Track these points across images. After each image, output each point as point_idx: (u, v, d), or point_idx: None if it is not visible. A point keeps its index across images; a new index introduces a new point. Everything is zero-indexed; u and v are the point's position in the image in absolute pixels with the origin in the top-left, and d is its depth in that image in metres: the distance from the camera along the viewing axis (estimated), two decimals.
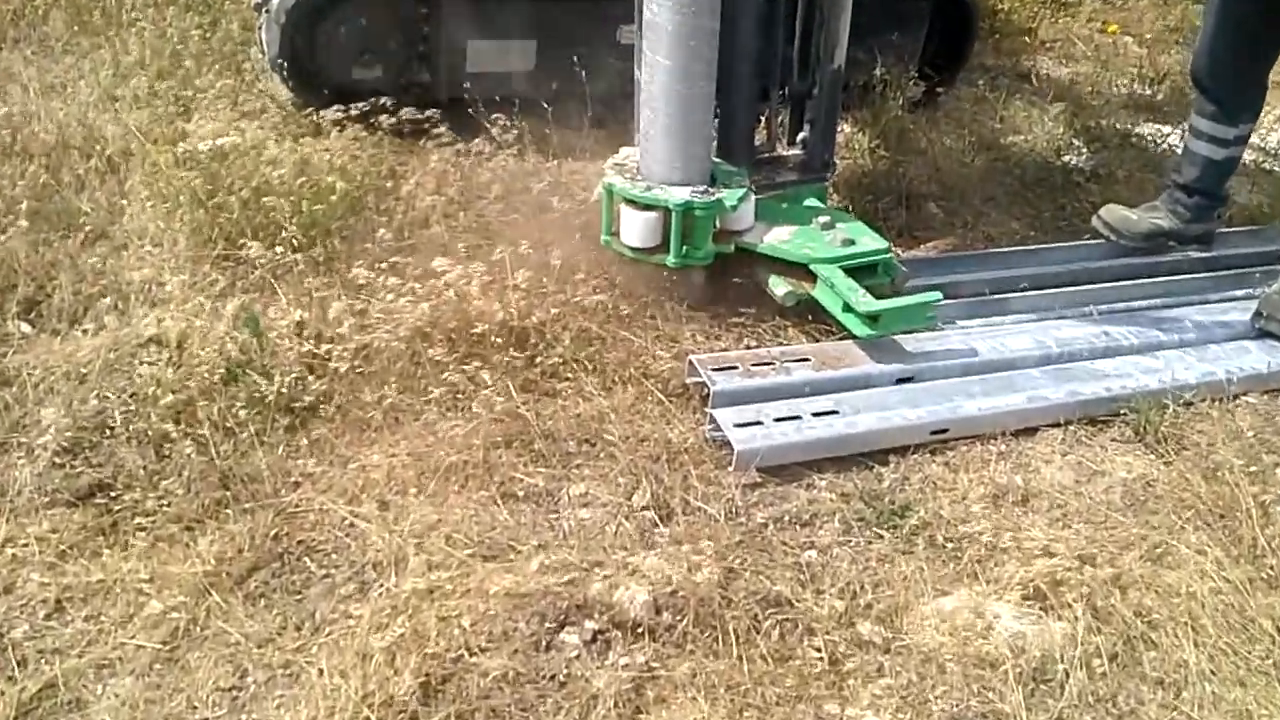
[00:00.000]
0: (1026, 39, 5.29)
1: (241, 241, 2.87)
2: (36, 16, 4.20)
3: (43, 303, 2.79)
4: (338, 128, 3.38)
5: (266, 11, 3.57)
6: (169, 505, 2.27)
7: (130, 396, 2.46)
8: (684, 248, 2.96)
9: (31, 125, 3.43)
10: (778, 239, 3.06)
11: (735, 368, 2.75)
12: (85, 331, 2.69)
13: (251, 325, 2.51)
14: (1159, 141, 4.42)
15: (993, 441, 2.74)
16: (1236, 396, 2.97)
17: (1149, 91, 4.85)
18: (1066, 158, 4.25)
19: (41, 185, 3.15)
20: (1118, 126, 4.49)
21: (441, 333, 2.71)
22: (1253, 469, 2.67)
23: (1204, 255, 3.60)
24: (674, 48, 2.84)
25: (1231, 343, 3.13)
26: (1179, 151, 4.26)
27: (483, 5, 3.74)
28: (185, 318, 2.61)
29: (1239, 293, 3.41)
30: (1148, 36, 5.42)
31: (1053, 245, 3.59)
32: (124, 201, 3.14)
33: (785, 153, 3.54)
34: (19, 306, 2.76)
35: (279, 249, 2.87)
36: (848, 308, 2.85)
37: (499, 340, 2.72)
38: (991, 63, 5.05)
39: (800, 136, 3.52)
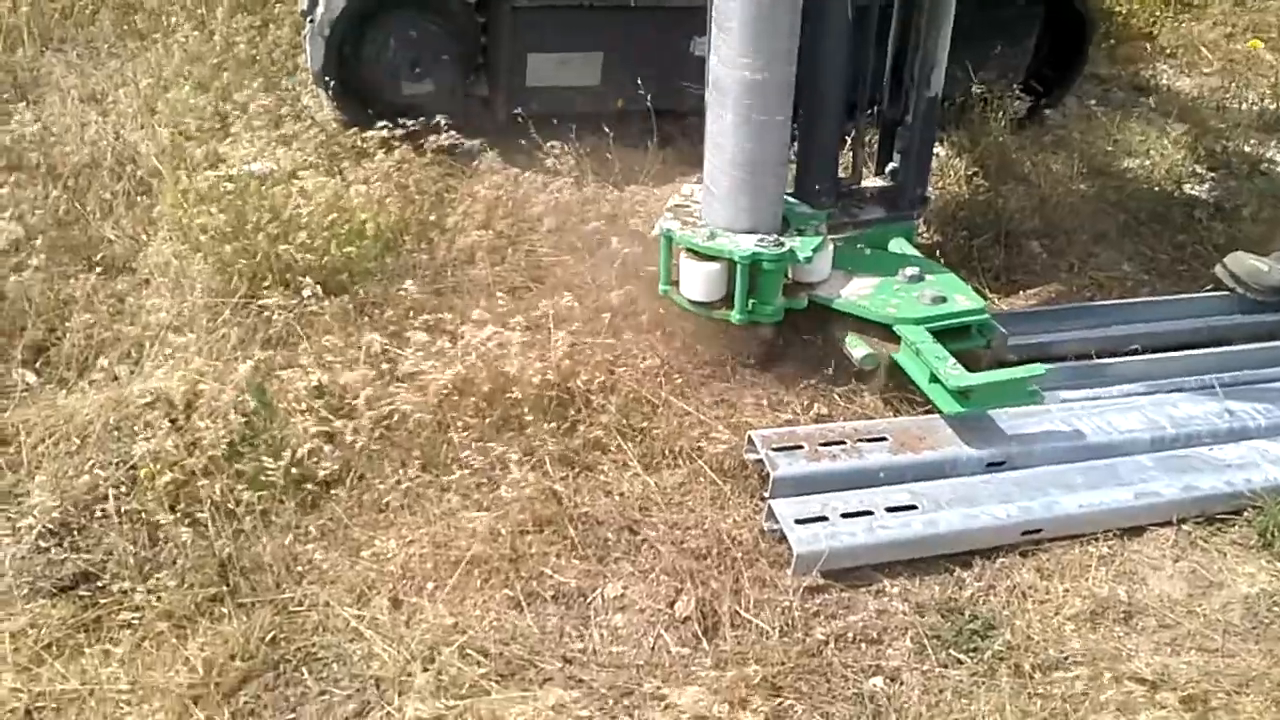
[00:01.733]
0: (1146, 45, 4.83)
1: (265, 284, 2.63)
2: (84, 16, 4.02)
3: (51, 349, 2.60)
4: (383, 149, 3.13)
5: (311, 21, 3.33)
6: (159, 600, 2.05)
7: (128, 470, 2.24)
8: (750, 303, 2.65)
9: (64, 141, 3.23)
10: (857, 293, 2.73)
11: (800, 447, 2.43)
12: (92, 384, 2.48)
13: (258, 396, 2.27)
14: None
15: (1093, 543, 2.39)
16: None
17: None
18: (1188, 188, 3.83)
19: (65, 212, 2.95)
20: (1246, 151, 4.04)
21: (473, 397, 2.45)
22: None
23: None
24: (742, 78, 2.52)
25: None
26: None
27: (546, 14, 3.45)
28: (196, 375, 2.38)
29: None
30: None
31: (1170, 297, 3.20)
32: (150, 230, 2.93)
33: (872, 184, 3.20)
34: (26, 353, 2.57)
35: (305, 293, 2.63)
36: (935, 379, 2.52)
37: (537, 406, 2.45)
38: (1105, 72, 4.61)
39: (890, 167, 3.18)
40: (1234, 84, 4.58)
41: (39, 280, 2.70)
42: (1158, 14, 5.03)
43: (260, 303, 2.58)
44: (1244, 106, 4.42)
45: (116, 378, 2.47)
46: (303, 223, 2.77)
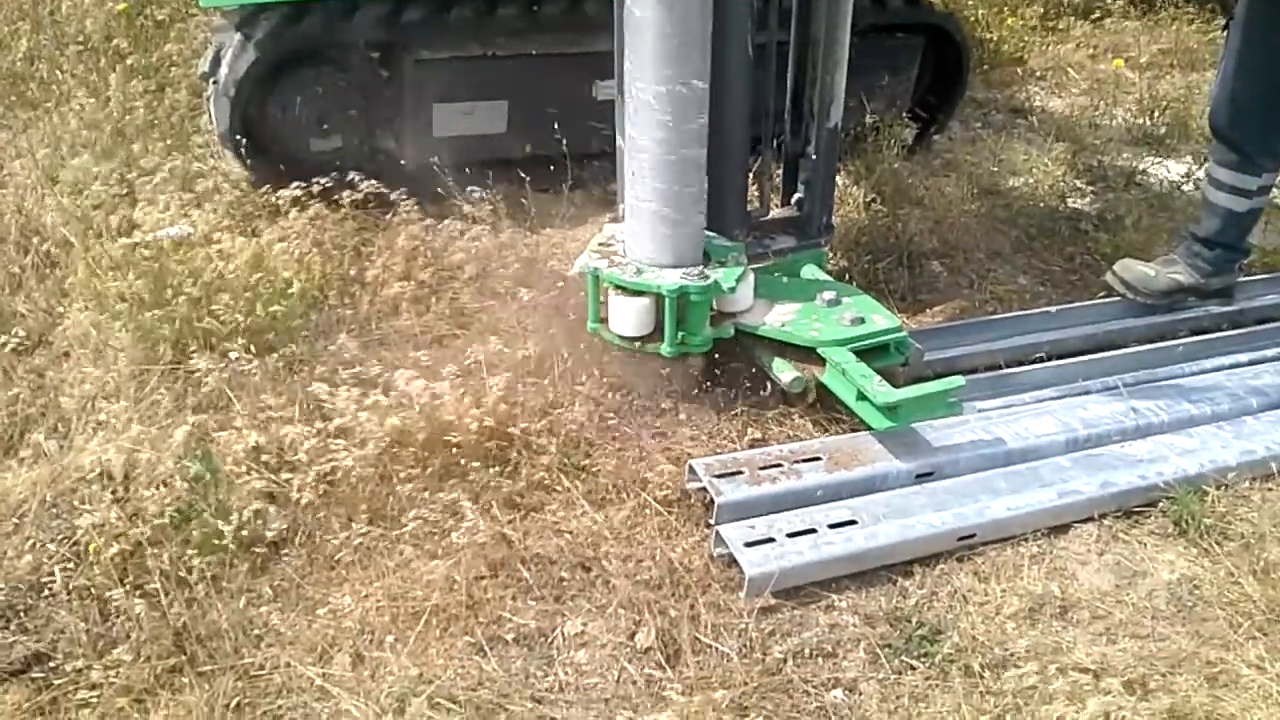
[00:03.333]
0: (1017, 69, 5.08)
1: (191, 349, 2.60)
2: None
3: None
4: (297, 207, 3.12)
5: (215, 82, 3.31)
6: (116, 675, 2.01)
7: (71, 546, 2.19)
8: (679, 335, 2.72)
9: None
10: (780, 319, 2.82)
11: (740, 473, 2.50)
12: (21, 461, 2.42)
13: (205, 461, 2.25)
14: (1165, 180, 4.21)
15: (1024, 543, 2.50)
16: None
17: (1149, 123, 4.63)
18: (1071, 202, 4.03)
19: None
20: (1121, 164, 4.29)
21: (413, 448, 2.46)
22: None
23: (1227, 310, 3.39)
24: (659, 116, 2.60)
25: (1269, 413, 2.90)
26: (1186, 190, 4.09)
27: (450, 65, 3.49)
28: (131, 445, 2.35)
29: (1270, 351, 3.20)
30: (1142, 61, 5.21)
31: (1068, 306, 3.37)
32: (64, 303, 2.87)
33: (780, 215, 3.31)
34: None
35: (233, 355, 2.61)
36: (862, 396, 2.61)
37: (477, 452, 2.48)
38: (983, 96, 4.84)
39: (796, 197, 3.29)
40: (1103, 102, 4.85)
41: None
42: (1026, 39, 5.30)
43: (188, 367, 2.55)
44: (1114, 123, 4.68)
45: (46, 453, 2.41)
46: (225, 284, 2.75)
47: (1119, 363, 3.09)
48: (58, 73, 3.88)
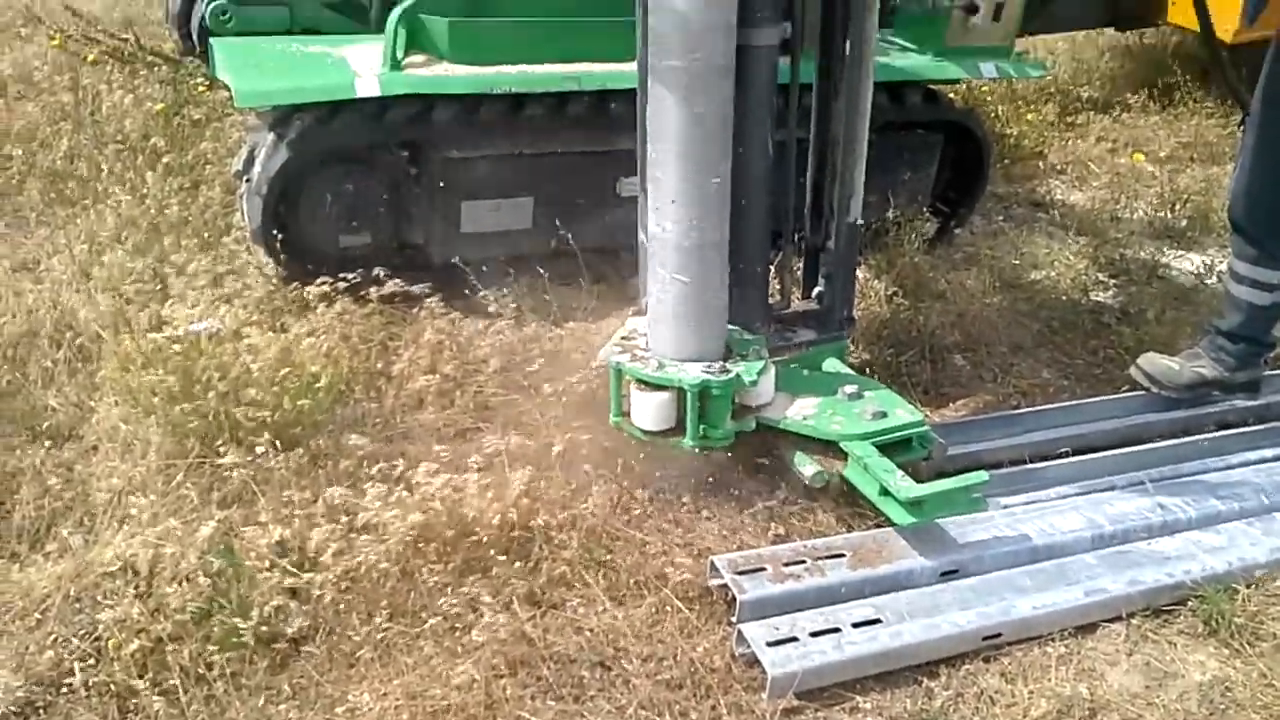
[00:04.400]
0: (1038, 163, 5.13)
1: (219, 443, 2.63)
2: (11, 186, 4.03)
3: (0, 522, 2.55)
4: (325, 302, 3.17)
5: (248, 180, 3.39)
6: None
7: (92, 642, 2.20)
8: (701, 429, 2.72)
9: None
10: (802, 413, 2.82)
11: (764, 569, 2.49)
12: (47, 556, 2.44)
13: (227, 556, 2.26)
14: (1187, 273, 4.22)
15: (1050, 643, 2.47)
16: None
17: (1170, 216, 4.66)
18: (1094, 295, 4.04)
19: (7, 384, 2.93)
20: (1143, 257, 4.30)
21: (436, 543, 2.46)
22: None
23: (1253, 404, 3.37)
24: (682, 211, 2.64)
25: None
26: (1209, 284, 4.10)
27: (478, 163, 3.56)
28: (156, 540, 2.36)
29: None
30: (1162, 155, 5.25)
31: (1091, 400, 3.36)
32: (95, 397, 2.91)
33: (801, 308, 3.34)
34: None
35: (259, 449, 2.63)
36: (885, 492, 2.61)
37: (499, 547, 2.48)
38: (1004, 190, 4.88)
39: (816, 291, 3.32)
40: (1123, 196, 4.88)
41: None
42: (1045, 134, 5.36)
43: (216, 462, 2.58)
44: (1135, 216, 4.71)
45: (71, 548, 2.43)
46: (252, 379, 2.78)
47: (1144, 458, 3.07)
48: (97, 171, 3.98)
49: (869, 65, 2.99)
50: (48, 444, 2.77)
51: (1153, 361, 3.35)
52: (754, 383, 2.75)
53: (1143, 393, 3.36)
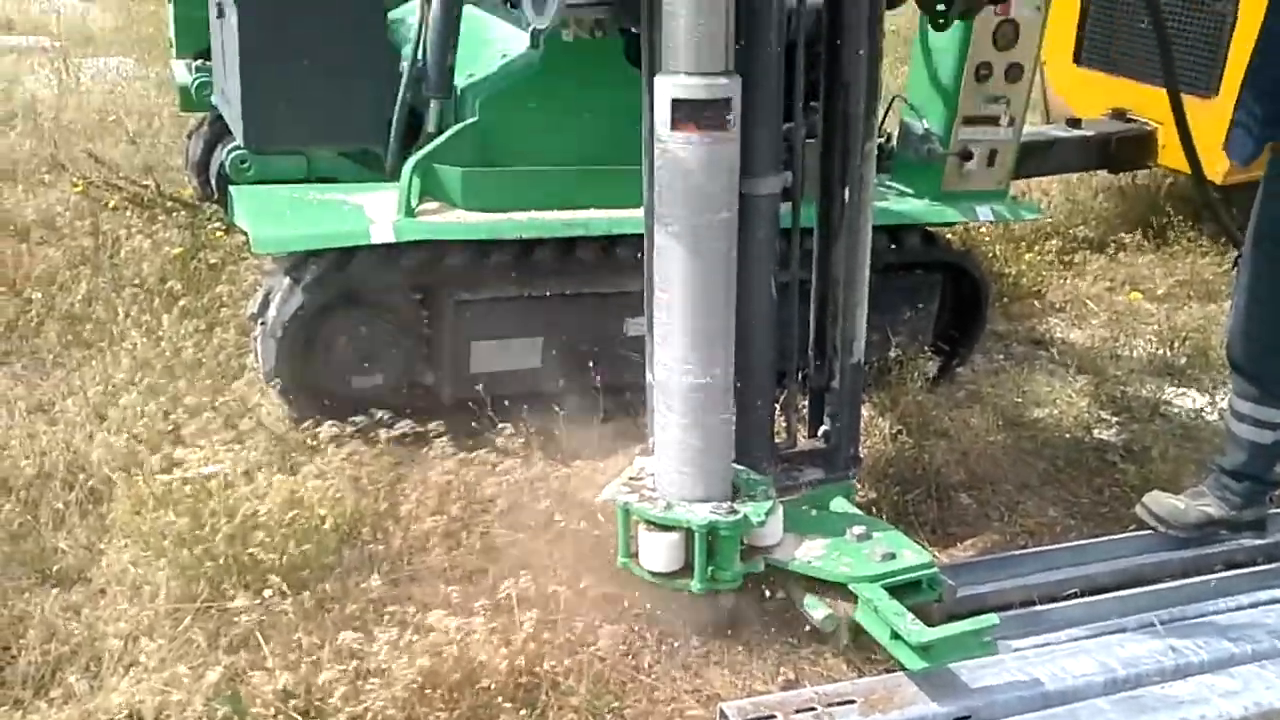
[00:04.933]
0: (1036, 301, 5.22)
1: (226, 587, 2.64)
2: (29, 329, 4.11)
3: (6, 668, 2.53)
4: (334, 443, 3.21)
5: (263, 324, 3.46)
6: None
7: None
8: (709, 571, 2.72)
9: (12, 453, 3.25)
10: (810, 554, 2.82)
11: (773, 717, 2.46)
12: (51, 702, 2.42)
13: (233, 703, 2.25)
14: (1189, 411, 4.26)
15: None
16: None
17: (1170, 353, 4.72)
18: (1097, 433, 4.07)
19: (18, 526, 2.95)
20: (1144, 395, 4.34)
21: (443, 689, 2.44)
22: None
23: (1261, 543, 3.36)
24: (687, 355, 2.69)
25: None
26: (1211, 420, 4.13)
27: (489, 304, 3.64)
28: (163, 686, 2.35)
29: None
30: (1159, 293, 5.35)
31: (1099, 539, 3.36)
32: (105, 539, 2.93)
33: (807, 447, 3.36)
34: None
35: (268, 593, 2.63)
36: (896, 635, 2.59)
37: (506, 694, 2.46)
38: (1004, 328, 4.95)
39: (822, 430, 3.35)
40: (1122, 333, 4.95)
41: None
42: (1043, 273, 5.46)
43: (225, 606, 2.58)
44: (1135, 354, 4.77)
45: (76, 694, 2.41)
46: (261, 522, 2.80)
47: (1153, 599, 3.05)
48: (114, 313, 4.06)
49: (868, 210, 3.09)
50: (56, 587, 2.77)
51: (1158, 500, 3.36)
52: (762, 523, 2.76)
53: (1150, 532, 3.36)
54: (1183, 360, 4.67)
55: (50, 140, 6.10)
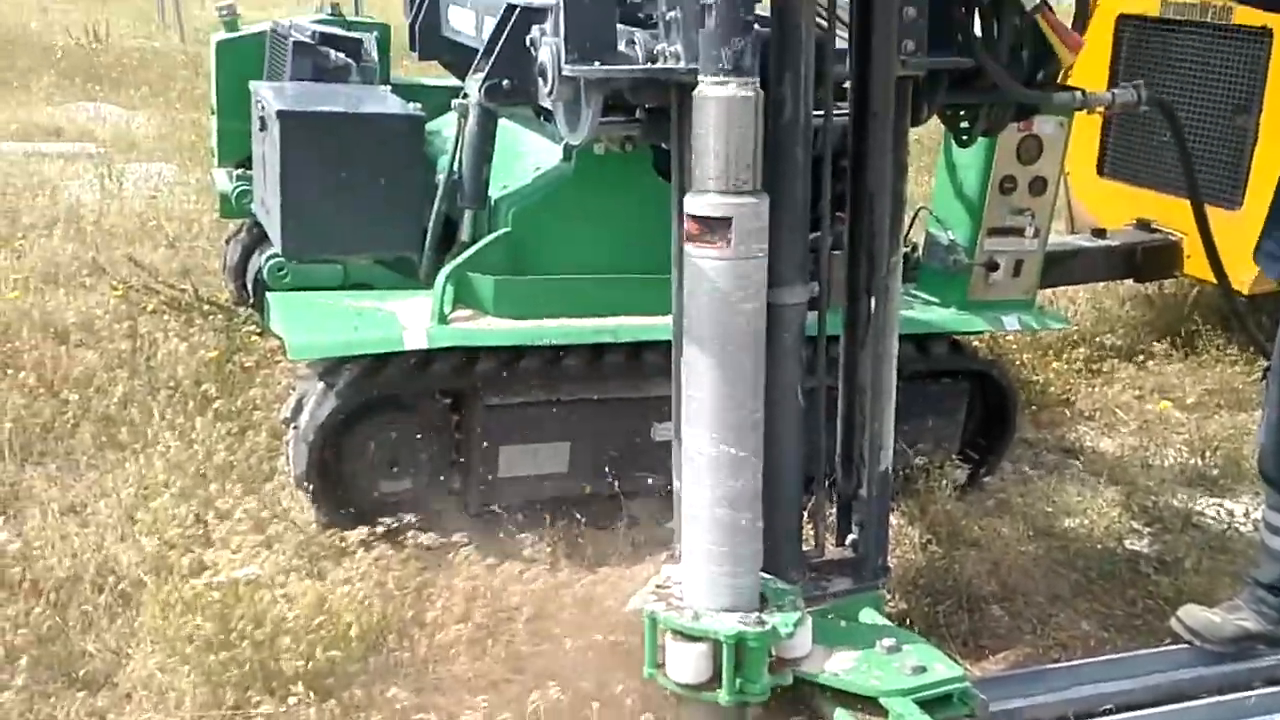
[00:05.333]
0: (1065, 410, 5.21)
1: (251, 694, 2.63)
2: (65, 430, 4.17)
3: None
4: (363, 548, 3.22)
5: (295, 428, 3.51)
6: None
7: None
8: (738, 682, 2.69)
9: (44, 555, 3.28)
10: (840, 667, 2.78)
11: None
12: None
13: None
14: (1223, 521, 4.21)
15: None
16: None
17: (1201, 463, 4.68)
18: (1129, 543, 4.03)
19: (47, 629, 2.96)
20: (1176, 505, 4.30)
21: None
22: None
23: None
24: (713, 466, 2.69)
25: None
26: (1244, 532, 4.08)
27: (517, 410, 3.67)
28: None
29: None
30: (1189, 401, 5.32)
31: (1133, 654, 3.30)
32: (132, 643, 2.93)
33: (835, 555, 3.34)
34: None
35: (292, 700, 2.62)
36: None
37: None
38: (1033, 436, 4.93)
39: (850, 539, 3.33)
40: (1152, 443, 4.92)
41: (19, 703, 2.67)
42: (1072, 381, 5.45)
43: (250, 713, 2.57)
44: (1166, 463, 4.73)
45: None
46: (288, 627, 2.80)
47: (1191, 715, 2.99)
48: (149, 416, 4.12)
49: (894, 320, 3.12)
50: (83, 691, 2.77)
51: (1193, 614, 3.30)
52: (791, 635, 2.73)
53: (1186, 646, 3.29)
54: (1214, 470, 4.63)
55: (92, 244, 6.25)
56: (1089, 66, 5.52)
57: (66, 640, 2.96)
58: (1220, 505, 4.38)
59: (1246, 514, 4.22)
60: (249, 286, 4.91)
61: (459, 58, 4.34)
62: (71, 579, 3.19)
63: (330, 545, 3.28)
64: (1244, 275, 5.11)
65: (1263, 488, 3.30)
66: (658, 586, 2.90)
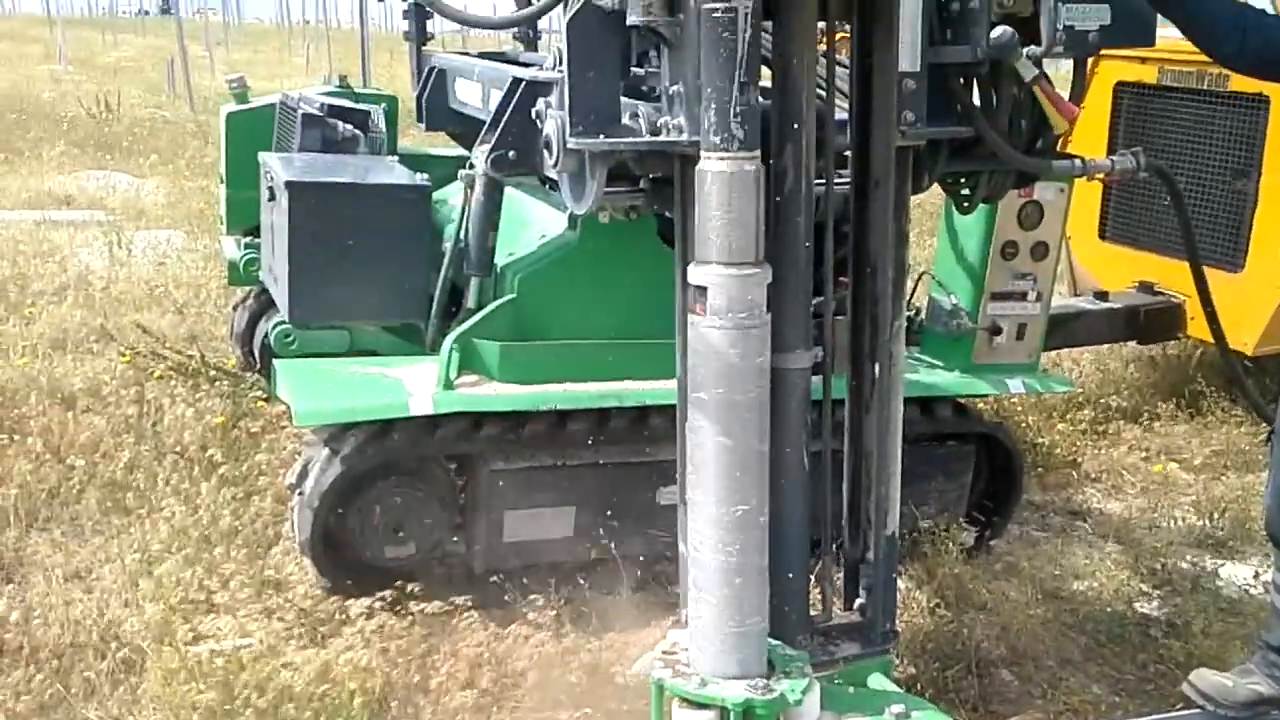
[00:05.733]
0: (1071, 472, 5.19)
1: None
2: (71, 495, 4.17)
3: None
4: (366, 615, 3.21)
5: (300, 494, 3.51)
6: None
7: None
8: None
9: (47, 622, 3.27)
10: None
11: None
12: None
13: None
14: (1232, 584, 4.18)
15: None
16: None
17: (1209, 524, 4.66)
18: (1138, 606, 4.00)
19: (49, 696, 2.94)
20: (1184, 567, 4.28)
21: None
22: None
23: None
24: (718, 534, 2.69)
25: None
26: (1254, 594, 4.06)
27: (522, 475, 3.68)
28: None
29: None
30: (1195, 463, 5.31)
31: (1146, 718, 3.27)
32: (135, 711, 2.91)
33: (842, 620, 3.32)
34: None
35: None
36: None
37: None
38: (1039, 498, 4.92)
39: (858, 603, 3.31)
40: (1160, 504, 4.91)
41: None
42: (1078, 443, 5.45)
43: None
44: (1173, 525, 4.71)
45: None
46: (291, 695, 2.78)
47: None
48: (154, 481, 4.12)
49: (898, 384, 3.12)
50: None
51: (1204, 678, 3.27)
52: (799, 702, 2.70)
53: (1198, 710, 3.26)
54: (1222, 531, 4.61)
55: (100, 311, 6.30)
56: (1089, 133, 5.59)
57: (69, 708, 2.95)
58: (1229, 567, 4.36)
59: (1256, 576, 4.20)
60: (255, 353, 4.95)
61: (466, 129, 4.41)
62: (74, 646, 3.18)
63: (333, 611, 3.27)
64: (1246, 337, 5.13)
65: (1271, 550, 3.29)
66: (664, 652, 2.88)
